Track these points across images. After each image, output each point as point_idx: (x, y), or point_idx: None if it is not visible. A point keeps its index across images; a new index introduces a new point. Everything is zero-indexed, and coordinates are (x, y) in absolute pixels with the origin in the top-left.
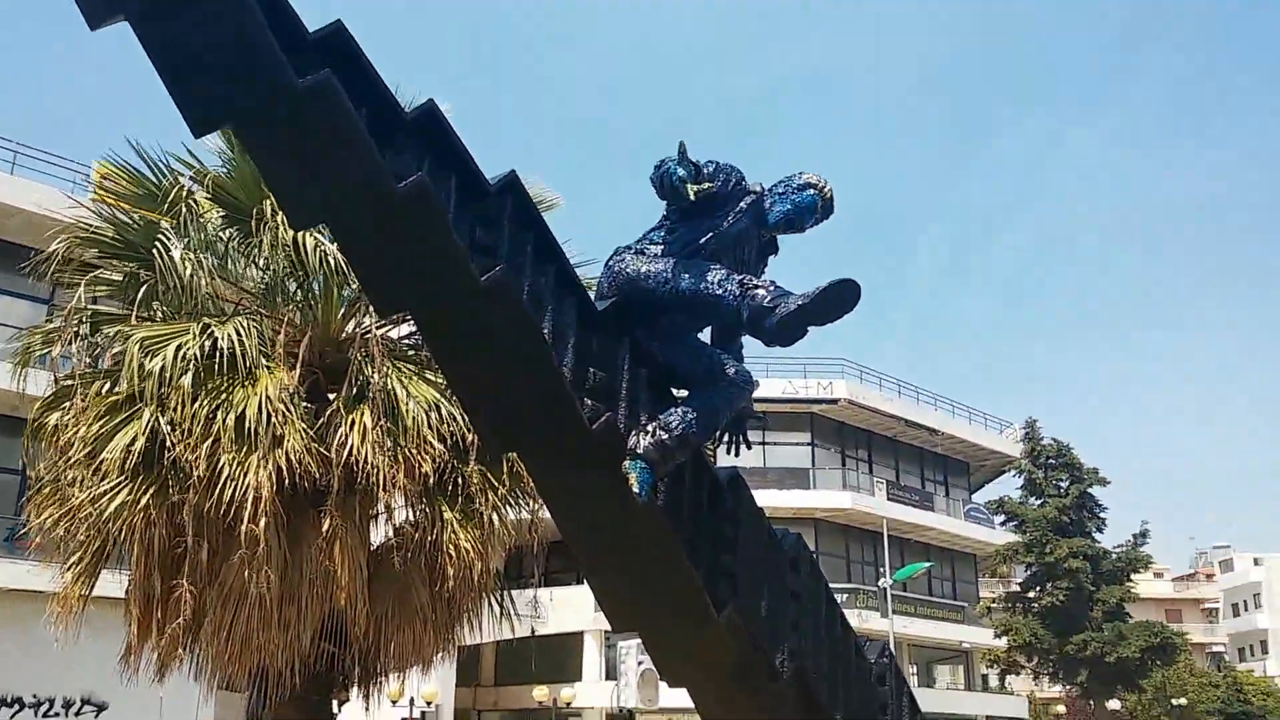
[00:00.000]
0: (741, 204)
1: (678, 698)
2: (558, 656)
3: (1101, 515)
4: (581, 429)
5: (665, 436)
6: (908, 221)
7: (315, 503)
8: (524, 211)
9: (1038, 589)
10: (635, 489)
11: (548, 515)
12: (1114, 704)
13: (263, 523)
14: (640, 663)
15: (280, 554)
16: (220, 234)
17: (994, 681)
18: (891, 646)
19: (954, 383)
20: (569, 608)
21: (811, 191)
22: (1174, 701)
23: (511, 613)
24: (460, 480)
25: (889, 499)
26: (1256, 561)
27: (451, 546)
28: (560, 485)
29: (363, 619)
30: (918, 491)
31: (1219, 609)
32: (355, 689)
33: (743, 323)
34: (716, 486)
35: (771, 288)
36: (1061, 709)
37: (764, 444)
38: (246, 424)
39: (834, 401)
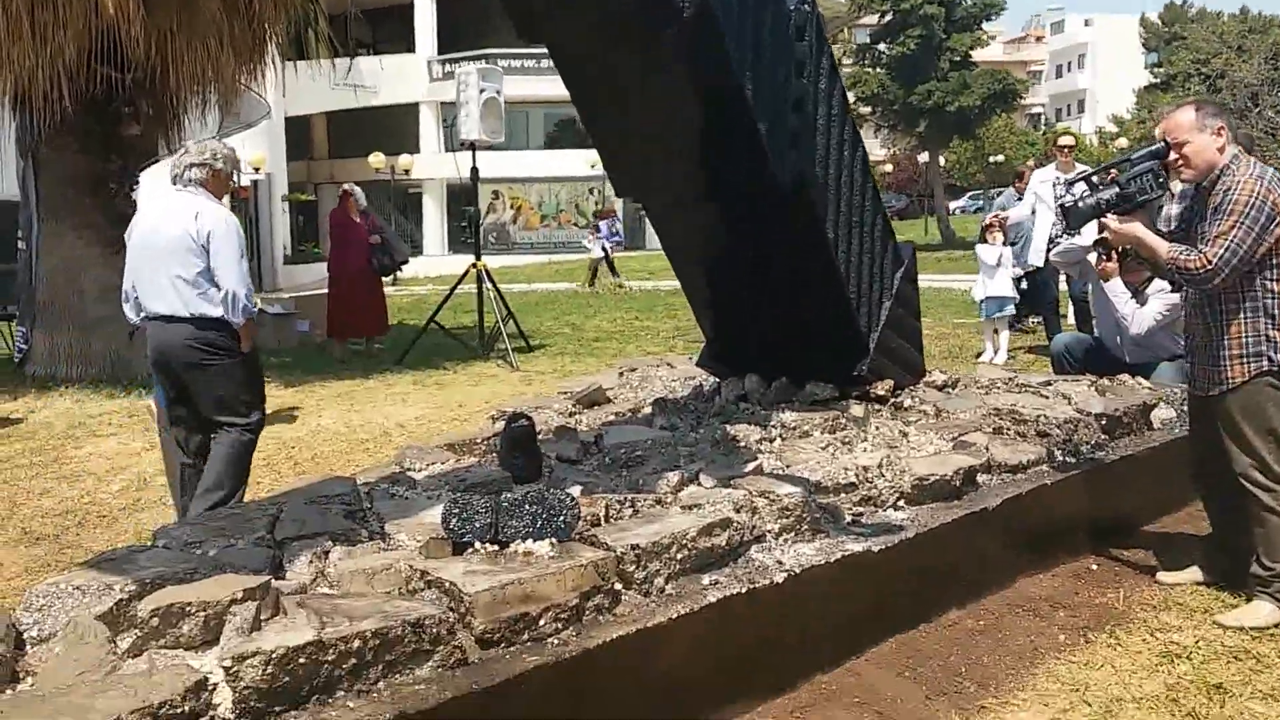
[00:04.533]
0: None
1: (514, 169)
2: (394, 129)
3: None
4: None
5: None
6: None
7: None
8: None
9: (889, 40)
10: None
11: None
12: (942, 160)
13: None
14: (482, 90)
15: None
16: None
17: None
18: None
19: None
20: (401, 78)
21: None
22: (990, 158)
23: (338, 80)
24: None
25: None
26: (1087, 23)
27: None
28: None
29: (141, 35)
30: None
31: (1043, 71)
32: (157, 131)
33: None
34: None
35: None
36: (889, 168)
37: None
38: None
39: None
